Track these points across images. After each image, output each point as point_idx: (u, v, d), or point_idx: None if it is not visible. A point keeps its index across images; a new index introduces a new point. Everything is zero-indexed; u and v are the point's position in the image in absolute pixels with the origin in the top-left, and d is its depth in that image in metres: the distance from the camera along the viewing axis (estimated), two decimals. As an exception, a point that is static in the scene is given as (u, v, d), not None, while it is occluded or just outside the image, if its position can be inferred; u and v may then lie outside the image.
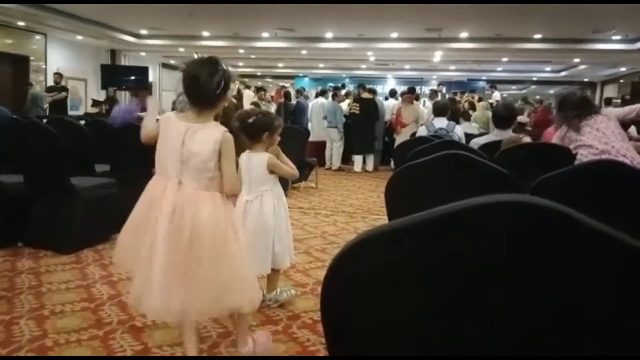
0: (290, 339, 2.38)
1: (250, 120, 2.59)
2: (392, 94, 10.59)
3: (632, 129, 5.34)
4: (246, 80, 19.46)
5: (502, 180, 1.68)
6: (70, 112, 11.10)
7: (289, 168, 2.69)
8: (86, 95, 12.32)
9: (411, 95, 9.13)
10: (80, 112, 11.37)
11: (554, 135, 3.10)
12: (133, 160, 4.50)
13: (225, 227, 1.90)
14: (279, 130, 2.68)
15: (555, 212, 0.55)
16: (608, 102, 11.76)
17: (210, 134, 1.90)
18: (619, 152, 2.62)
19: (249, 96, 11.97)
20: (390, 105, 9.72)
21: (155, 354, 2.19)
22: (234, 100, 10.75)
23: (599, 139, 2.72)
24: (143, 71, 12.91)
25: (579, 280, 0.56)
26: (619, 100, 14.09)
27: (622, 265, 0.55)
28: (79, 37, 11.31)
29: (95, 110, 10.45)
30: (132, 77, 12.79)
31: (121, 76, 12.77)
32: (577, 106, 2.90)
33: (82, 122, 6.03)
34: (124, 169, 4.42)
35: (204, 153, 1.87)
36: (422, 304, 0.63)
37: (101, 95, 12.21)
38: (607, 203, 1.31)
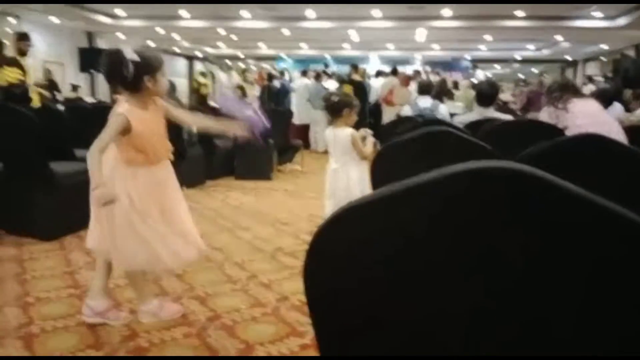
0: (279, 321, 2.38)
1: (335, 99, 3.16)
2: (378, 74, 10.53)
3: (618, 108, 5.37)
4: (228, 62, 19.21)
5: (487, 156, 1.67)
6: (48, 97, 10.86)
7: (365, 149, 3.09)
8: (64, 79, 12.05)
9: (408, 77, 9.13)
10: (59, 97, 11.13)
11: (542, 111, 3.16)
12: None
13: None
14: (357, 108, 3.18)
15: (535, 177, 0.55)
16: (590, 79, 11.85)
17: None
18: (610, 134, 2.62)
19: (226, 79, 11.85)
20: (375, 86, 9.68)
21: (143, 338, 2.18)
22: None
23: (591, 119, 2.73)
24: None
25: (560, 247, 0.56)
26: (602, 78, 14.22)
27: (602, 231, 0.54)
28: (54, 20, 11.01)
29: (74, 95, 10.22)
30: (111, 60, 12.52)
31: (100, 59, 12.49)
32: (561, 88, 3.00)
33: (61, 106, 5.92)
34: (106, 153, 4.35)
35: None
36: (405, 274, 0.63)
37: (80, 80, 11.95)
38: (591, 177, 1.32)
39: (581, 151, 1.53)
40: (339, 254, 0.66)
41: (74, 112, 5.09)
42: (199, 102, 10.02)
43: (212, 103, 10.79)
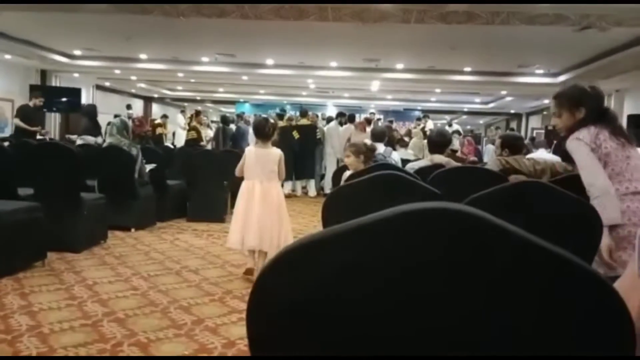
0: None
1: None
2: (330, 120, 10.80)
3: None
4: (185, 104, 19.18)
5: (435, 199, 1.72)
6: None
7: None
8: (13, 116, 11.66)
9: (364, 122, 9.43)
10: (6, 133, 10.72)
11: (577, 134, 2.19)
12: (60, 184, 4.30)
13: None
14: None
15: (475, 216, 0.57)
16: (532, 139, 12.43)
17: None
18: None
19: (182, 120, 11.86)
20: (332, 129, 9.90)
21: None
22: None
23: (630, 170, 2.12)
24: (75, 92, 12.39)
25: (501, 285, 0.58)
26: (542, 130, 15.05)
27: (540, 270, 0.57)
28: (7, 56, 10.75)
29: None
30: (64, 99, 12.24)
31: (52, 97, 12.18)
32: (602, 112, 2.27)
33: (6, 143, 5.69)
34: (50, 193, 4.19)
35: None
36: (351, 311, 0.62)
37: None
38: (533, 219, 1.38)
39: (524, 195, 1.60)
40: (282, 294, 0.65)
41: (20, 149, 4.90)
42: (155, 142, 9.91)
43: (167, 143, 10.70)
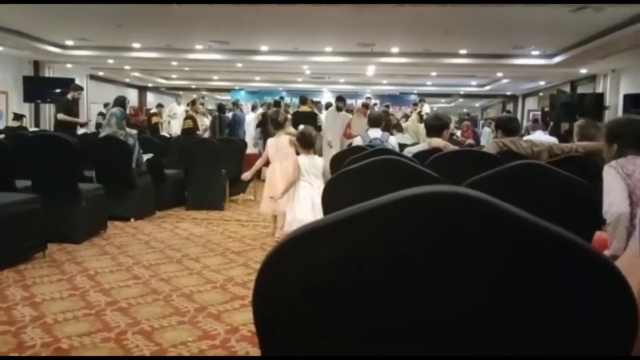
0: (229, 353, 2.32)
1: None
2: (328, 106, 10.75)
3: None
4: (180, 93, 19.06)
5: (434, 183, 1.73)
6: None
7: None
8: (7, 108, 11.57)
9: (364, 108, 9.37)
10: (1, 126, 10.66)
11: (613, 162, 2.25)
12: (57, 175, 4.29)
13: None
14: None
15: (480, 200, 0.57)
16: (535, 120, 12.45)
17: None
18: None
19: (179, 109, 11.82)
20: (329, 116, 9.85)
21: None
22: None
23: None
24: (69, 83, 12.30)
25: (504, 269, 0.58)
26: (539, 112, 15.03)
27: (543, 250, 0.58)
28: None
29: (16, 124, 9.79)
30: (57, 90, 12.15)
31: (45, 88, 12.07)
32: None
33: (2, 135, 5.67)
34: (48, 184, 4.19)
35: None
36: (354, 298, 0.63)
37: (23, 109, 11.50)
38: (531, 202, 1.39)
39: (521, 176, 1.61)
40: (289, 279, 0.65)
41: (17, 142, 4.89)
42: (151, 131, 9.88)
43: (164, 133, 10.66)
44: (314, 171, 3.97)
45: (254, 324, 0.66)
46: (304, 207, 3.85)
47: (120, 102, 6.19)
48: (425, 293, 0.61)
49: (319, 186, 3.83)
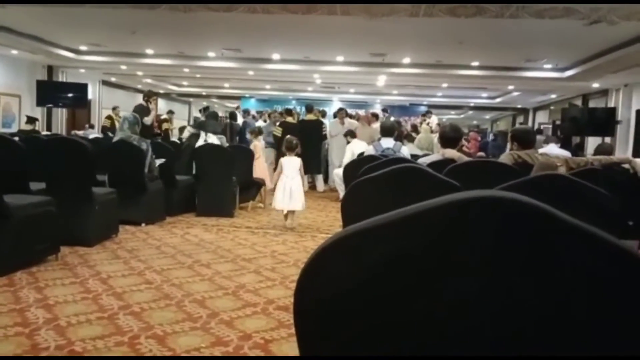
0: None
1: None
2: (334, 115, 10.83)
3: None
4: (191, 100, 19.16)
5: (457, 191, 1.72)
6: (2, 130, 10.53)
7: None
8: (20, 111, 11.69)
9: (370, 116, 9.47)
10: (14, 129, 10.77)
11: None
12: (70, 178, 4.31)
13: None
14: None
15: (534, 207, 0.57)
16: (539, 131, 12.42)
17: None
18: None
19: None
20: (332, 127, 9.93)
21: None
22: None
23: None
24: (82, 88, 12.41)
25: (557, 276, 0.57)
26: (550, 125, 14.97)
27: (597, 260, 0.57)
28: (14, 52, 10.77)
29: (29, 127, 9.88)
30: (70, 94, 12.27)
31: (58, 93, 12.21)
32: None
33: (16, 138, 5.72)
34: (62, 187, 4.21)
35: None
36: (401, 302, 0.62)
37: (36, 112, 11.62)
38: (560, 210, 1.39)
39: (548, 187, 1.60)
40: (333, 277, 0.65)
41: (31, 144, 4.92)
42: (162, 137, 9.96)
43: (173, 138, 10.72)
44: (293, 168, 5.54)
45: (293, 318, 0.66)
46: (282, 194, 5.46)
47: (138, 110, 6.27)
48: (468, 294, 0.60)
49: (294, 178, 5.50)
